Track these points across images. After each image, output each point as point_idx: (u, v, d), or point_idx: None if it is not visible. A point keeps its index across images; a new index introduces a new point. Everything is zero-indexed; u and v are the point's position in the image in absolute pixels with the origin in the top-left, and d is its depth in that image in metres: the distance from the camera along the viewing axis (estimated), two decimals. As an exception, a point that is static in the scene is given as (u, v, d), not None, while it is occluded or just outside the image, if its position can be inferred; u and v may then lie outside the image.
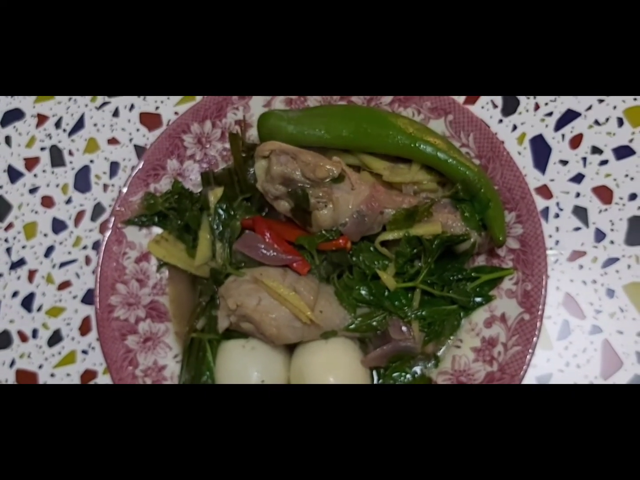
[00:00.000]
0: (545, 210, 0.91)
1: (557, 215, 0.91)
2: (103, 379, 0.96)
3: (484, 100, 0.98)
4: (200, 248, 0.89)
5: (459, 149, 0.86)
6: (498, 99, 0.98)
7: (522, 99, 0.97)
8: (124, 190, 0.94)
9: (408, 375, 0.83)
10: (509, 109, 0.97)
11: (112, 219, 0.93)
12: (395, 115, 0.88)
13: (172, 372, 0.89)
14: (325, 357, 0.82)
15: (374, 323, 0.82)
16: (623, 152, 0.92)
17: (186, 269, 0.91)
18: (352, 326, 0.82)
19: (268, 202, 0.85)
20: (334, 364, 0.81)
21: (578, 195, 0.91)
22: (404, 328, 0.81)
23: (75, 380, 0.97)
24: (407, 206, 0.82)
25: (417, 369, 0.84)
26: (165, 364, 0.89)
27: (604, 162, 0.92)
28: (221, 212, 0.89)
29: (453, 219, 0.82)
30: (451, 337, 0.84)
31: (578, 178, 0.92)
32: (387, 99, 0.92)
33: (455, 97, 0.90)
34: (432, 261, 0.81)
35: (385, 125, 0.86)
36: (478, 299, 0.83)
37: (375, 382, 0.84)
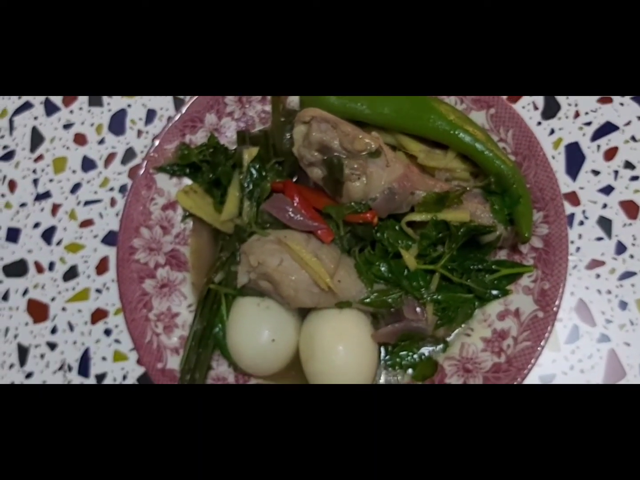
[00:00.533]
0: (571, 217, 0.92)
1: (581, 223, 0.92)
2: (114, 320, 0.98)
3: (525, 100, 0.99)
4: (228, 204, 0.90)
5: (496, 143, 0.87)
6: (540, 101, 0.99)
7: (564, 104, 0.98)
8: (160, 137, 0.95)
9: (415, 356, 0.84)
10: (549, 113, 0.98)
11: (145, 163, 0.94)
12: (438, 100, 0.89)
13: (184, 320, 0.90)
14: (336, 326, 0.83)
15: (389, 300, 0.83)
16: (655, 170, 0.93)
17: (211, 222, 0.92)
18: (368, 300, 0.83)
19: (301, 167, 0.85)
20: (345, 334, 0.82)
21: (605, 206, 0.92)
22: (418, 309, 0.82)
23: (86, 317, 0.98)
24: (438, 190, 0.83)
25: (425, 351, 0.85)
26: (178, 311, 0.91)
27: (634, 178, 0.93)
28: (253, 171, 0.90)
29: (482, 210, 0.83)
30: (463, 325, 0.85)
31: (607, 190, 0.93)
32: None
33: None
34: (455, 247, 0.82)
35: (427, 109, 0.86)
36: (495, 292, 0.84)
37: (382, 357, 0.85)
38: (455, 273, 0.84)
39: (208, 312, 0.88)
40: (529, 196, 0.83)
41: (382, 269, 0.84)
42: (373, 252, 0.85)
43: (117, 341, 0.97)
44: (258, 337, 0.83)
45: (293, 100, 0.96)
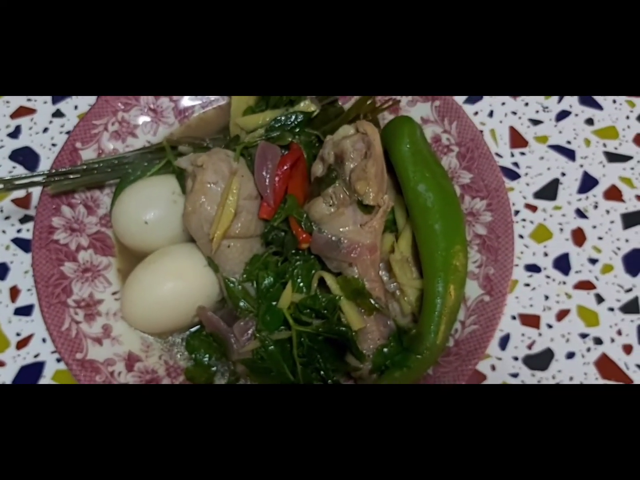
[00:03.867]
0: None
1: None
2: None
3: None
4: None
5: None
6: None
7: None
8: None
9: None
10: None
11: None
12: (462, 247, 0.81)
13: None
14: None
15: (241, 304, 0.79)
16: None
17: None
18: (231, 283, 0.79)
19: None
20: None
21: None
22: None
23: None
24: (369, 287, 0.76)
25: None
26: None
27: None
28: (300, 116, 0.86)
29: (375, 337, 0.76)
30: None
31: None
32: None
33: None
34: (320, 329, 0.75)
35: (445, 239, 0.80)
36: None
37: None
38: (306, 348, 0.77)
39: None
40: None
41: (266, 280, 0.78)
42: (279, 263, 0.80)
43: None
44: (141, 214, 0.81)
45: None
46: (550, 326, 0.89)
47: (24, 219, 0.93)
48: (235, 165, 0.79)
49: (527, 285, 0.92)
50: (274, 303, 0.77)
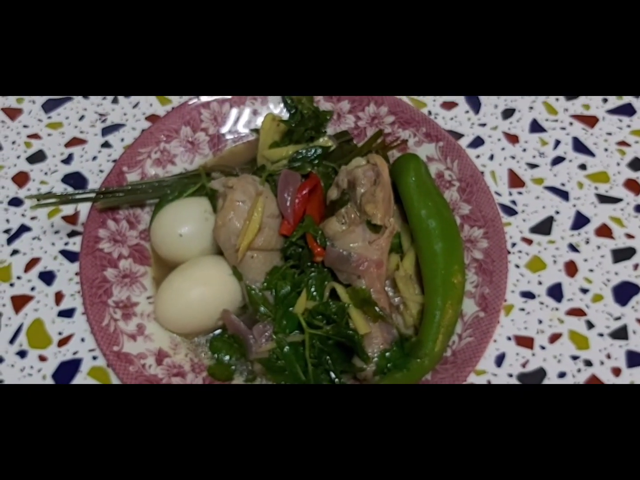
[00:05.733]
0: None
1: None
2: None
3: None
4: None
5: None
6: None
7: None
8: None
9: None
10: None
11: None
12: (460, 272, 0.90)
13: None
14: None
15: (261, 309, 0.88)
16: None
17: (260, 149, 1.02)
18: (252, 290, 0.89)
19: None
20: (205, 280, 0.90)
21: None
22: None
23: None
24: (375, 299, 0.84)
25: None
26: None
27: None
28: (319, 150, 0.99)
29: (379, 342, 0.84)
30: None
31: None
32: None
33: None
34: (330, 333, 0.84)
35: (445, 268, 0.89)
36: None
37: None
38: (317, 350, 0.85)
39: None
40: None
41: (284, 289, 0.87)
42: (295, 275, 0.89)
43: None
44: (176, 228, 0.92)
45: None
46: (543, 347, 0.97)
47: (71, 234, 1.04)
48: (261, 188, 0.90)
49: (522, 309, 1.00)
50: (290, 309, 0.86)
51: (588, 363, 0.96)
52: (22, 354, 0.94)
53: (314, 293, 0.87)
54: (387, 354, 0.83)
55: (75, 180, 1.10)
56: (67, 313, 0.97)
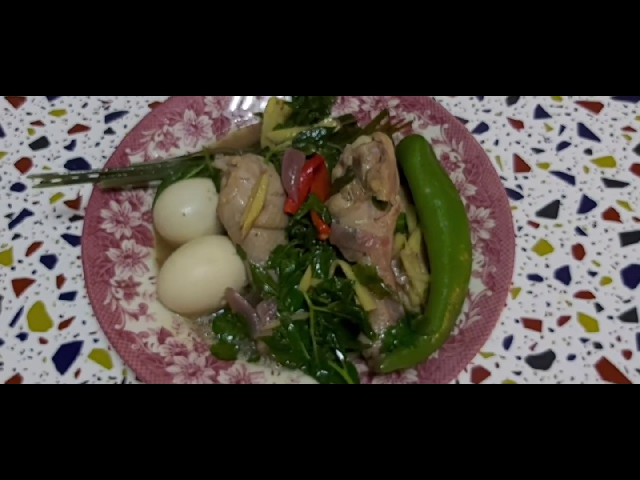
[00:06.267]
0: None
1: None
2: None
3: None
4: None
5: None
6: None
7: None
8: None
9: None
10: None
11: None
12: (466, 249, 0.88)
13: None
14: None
15: (266, 288, 0.87)
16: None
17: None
18: (257, 267, 0.88)
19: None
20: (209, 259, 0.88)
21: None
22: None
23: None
24: (381, 276, 0.83)
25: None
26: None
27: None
28: (323, 131, 0.98)
29: (385, 319, 0.82)
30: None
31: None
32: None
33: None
34: (335, 309, 0.82)
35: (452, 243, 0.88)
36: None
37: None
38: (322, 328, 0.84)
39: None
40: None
41: (288, 267, 0.86)
42: (300, 254, 0.88)
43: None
44: (180, 207, 0.91)
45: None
46: (551, 330, 0.95)
47: (74, 218, 1.03)
48: (265, 166, 0.89)
49: (530, 292, 0.98)
50: (294, 287, 0.85)
51: (598, 345, 0.94)
52: (22, 336, 0.93)
53: (319, 271, 0.85)
54: (394, 330, 0.82)
55: (78, 165, 1.09)
56: (69, 296, 0.96)
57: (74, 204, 1.05)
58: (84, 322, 0.94)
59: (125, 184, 0.95)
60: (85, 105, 1.16)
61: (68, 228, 1.03)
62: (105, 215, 0.93)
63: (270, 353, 0.84)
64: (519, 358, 0.93)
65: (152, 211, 0.95)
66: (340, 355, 0.83)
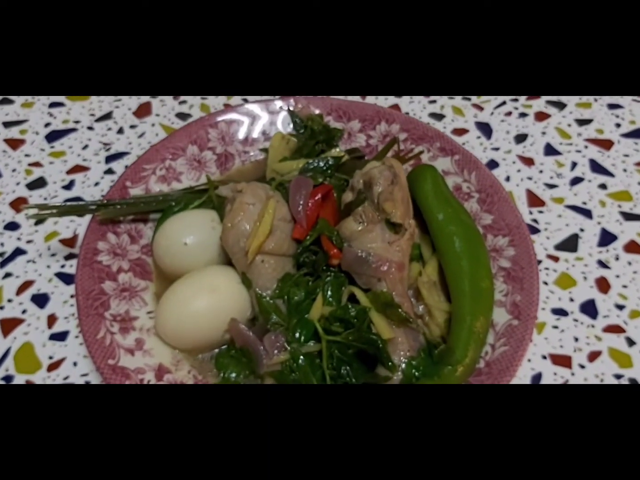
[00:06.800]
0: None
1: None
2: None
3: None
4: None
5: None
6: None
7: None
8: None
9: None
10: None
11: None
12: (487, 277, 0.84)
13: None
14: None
15: (272, 318, 0.81)
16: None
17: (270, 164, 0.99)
18: (264, 297, 0.81)
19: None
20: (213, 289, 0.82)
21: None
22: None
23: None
24: (399, 302, 0.77)
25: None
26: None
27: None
28: (330, 161, 0.95)
29: (405, 349, 0.76)
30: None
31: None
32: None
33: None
34: (349, 338, 0.76)
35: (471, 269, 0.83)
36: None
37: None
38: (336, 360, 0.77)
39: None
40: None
41: (297, 296, 0.80)
42: (310, 282, 0.83)
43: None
44: (181, 236, 0.86)
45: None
46: (582, 366, 0.88)
47: (69, 256, 0.98)
48: (272, 192, 0.85)
49: (556, 327, 0.92)
50: (305, 316, 0.78)
51: (633, 382, 0.86)
52: (7, 378, 0.85)
53: (330, 299, 0.79)
54: (414, 361, 0.75)
55: (76, 205, 1.05)
56: (60, 336, 0.89)
57: (69, 242, 1.00)
58: (75, 364, 0.87)
59: (124, 216, 0.91)
60: (85, 147, 1.14)
61: (62, 266, 0.97)
62: (102, 248, 0.88)
63: (279, 390, 0.76)
64: (550, 397, 0.85)
65: (151, 244, 0.90)
66: (356, 390, 0.75)
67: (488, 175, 0.96)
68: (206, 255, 0.86)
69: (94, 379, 0.84)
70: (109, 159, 1.12)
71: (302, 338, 0.77)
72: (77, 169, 1.11)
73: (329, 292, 0.79)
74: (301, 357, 0.76)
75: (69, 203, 0.90)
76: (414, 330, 0.77)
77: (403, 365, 0.75)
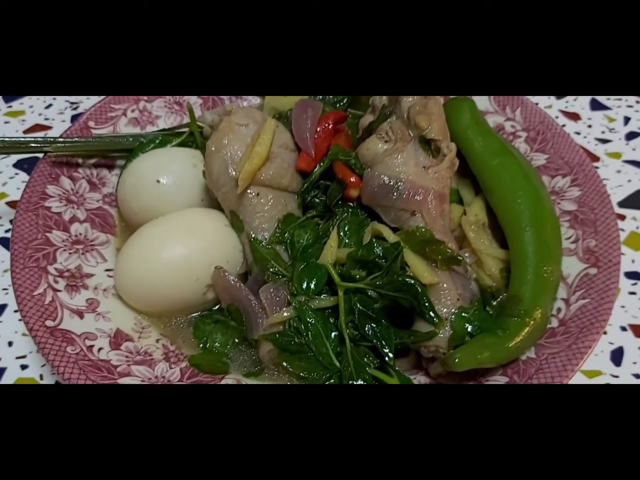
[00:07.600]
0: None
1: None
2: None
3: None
4: None
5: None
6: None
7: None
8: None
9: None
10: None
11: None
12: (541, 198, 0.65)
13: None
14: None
15: (269, 265, 0.60)
16: None
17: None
18: (254, 236, 0.62)
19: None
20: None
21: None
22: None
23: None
24: (440, 239, 0.57)
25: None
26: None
27: None
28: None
29: (453, 296, 0.55)
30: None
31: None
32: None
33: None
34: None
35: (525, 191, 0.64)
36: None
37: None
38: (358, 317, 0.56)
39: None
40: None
41: (303, 239, 0.61)
42: (320, 224, 0.63)
43: None
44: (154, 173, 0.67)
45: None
46: (673, 339, 0.67)
47: (15, 220, 0.78)
48: (270, 118, 0.67)
49: (633, 293, 0.72)
50: (314, 261, 0.58)
51: None
52: None
53: (348, 240, 0.59)
54: (465, 313, 0.54)
55: (30, 165, 0.86)
56: (-7, 310, 0.69)
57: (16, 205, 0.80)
58: (10, 344, 0.66)
59: (83, 157, 0.72)
60: (49, 106, 0.96)
61: (7, 231, 0.77)
62: (52, 192, 0.69)
63: (279, 360, 0.55)
64: (638, 376, 0.64)
65: (116, 187, 0.71)
66: (390, 354, 0.54)
67: (537, 110, 0.78)
68: (184, 197, 0.66)
69: (32, 362, 0.64)
70: (75, 118, 0.94)
71: (312, 289, 0.57)
72: (37, 128, 0.93)
73: (346, 232, 0.59)
74: (310, 314, 0.55)
75: (12, 138, 0.71)
76: (463, 275, 0.57)
77: (452, 318, 0.54)
